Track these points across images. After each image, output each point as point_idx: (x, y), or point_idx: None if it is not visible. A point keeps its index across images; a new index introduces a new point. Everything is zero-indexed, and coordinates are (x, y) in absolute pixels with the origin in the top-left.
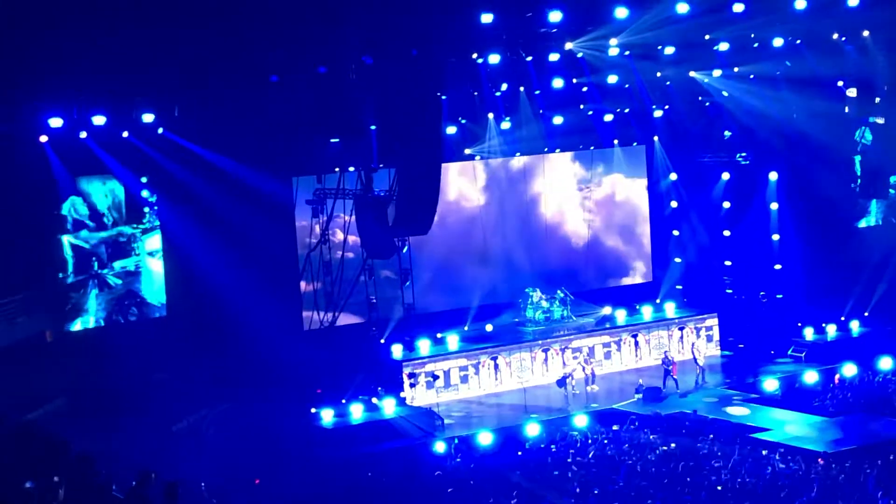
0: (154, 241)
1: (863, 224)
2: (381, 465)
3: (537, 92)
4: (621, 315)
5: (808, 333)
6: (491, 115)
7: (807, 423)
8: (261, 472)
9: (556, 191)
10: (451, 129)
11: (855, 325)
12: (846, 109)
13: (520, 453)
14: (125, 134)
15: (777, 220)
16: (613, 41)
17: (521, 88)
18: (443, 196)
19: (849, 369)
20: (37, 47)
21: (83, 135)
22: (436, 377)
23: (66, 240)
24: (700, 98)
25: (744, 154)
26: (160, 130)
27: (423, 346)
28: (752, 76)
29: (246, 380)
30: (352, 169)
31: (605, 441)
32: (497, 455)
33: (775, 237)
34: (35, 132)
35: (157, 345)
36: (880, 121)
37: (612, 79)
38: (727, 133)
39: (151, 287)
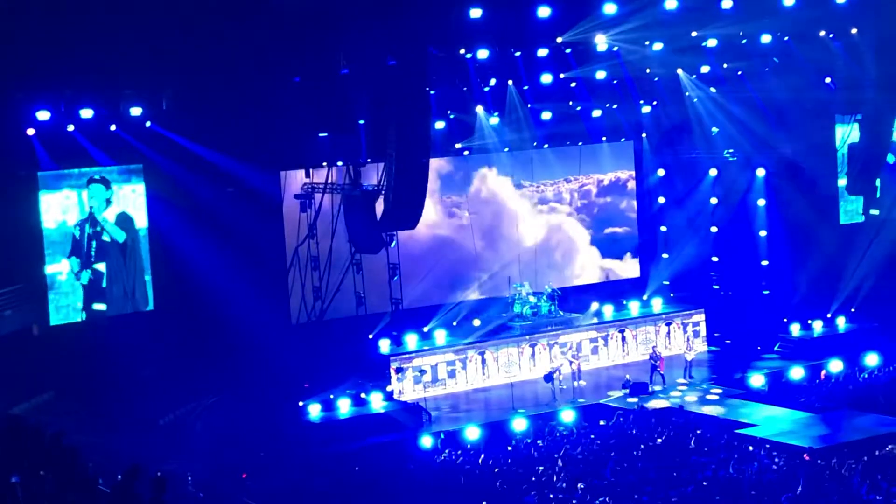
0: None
1: (849, 220)
2: (367, 459)
3: (525, 87)
4: (609, 310)
5: (795, 329)
6: (479, 109)
7: (790, 416)
8: (247, 466)
9: (543, 186)
10: (440, 124)
11: (841, 322)
12: (834, 106)
13: (509, 448)
14: (113, 127)
15: (764, 216)
16: (602, 37)
17: (510, 82)
18: (431, 191)
19: (835, 365)
20: (24, 40)
21: (70, 128)
22: (423, 372)
23: (53, 233)
24: (688, 94)
25: (731, 150)
26: (148, 124)
27: (411, 340)
28: (739, 72)
29: (233, 374)
30: (340, 164)
31: (592, 436)
32: (484, 450)
33: (762, 233)
34: (22, 125)
35: (144, 339)
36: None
37: (601, 74)
38: (715, 129)
39: (140, 279)
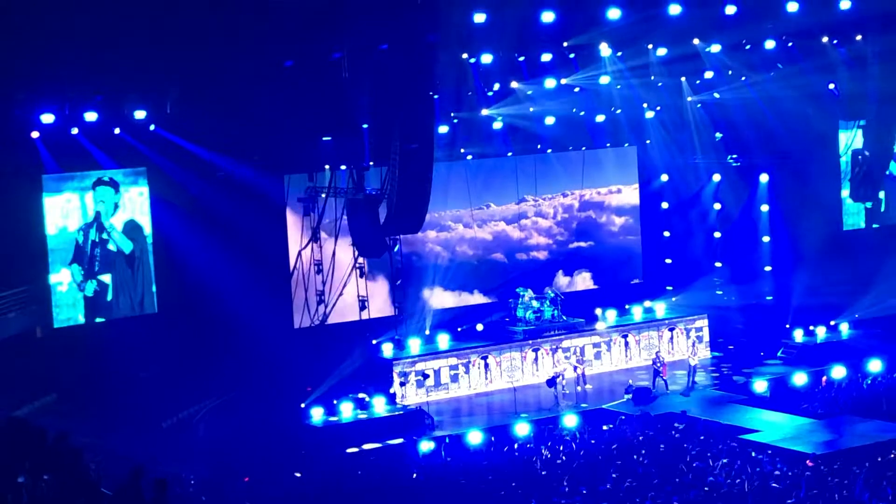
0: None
1: (852, 226)
2: (370, 463)
3: (529, 92)
4: (612, 315)
5: (798, 335)
6: (485, 111)
7: (793, 422)
8: (250, 470)
9: (546, 190)
10: (444, 129)
11: (844, 328)
12: (837, 112)
13: (513, 451)
14: (117, 130)
15: (767, 221)
16: (605, 42)
17: (514, 84)
18: (434, 195)
19: (838, 371)
20: (28, 43)
21: (75, 131)
22: (426, 376)
23: (53, 240)
24: (691, 99)
25: (734, 156)
26: (152, 127)
27: (414, 345)
28: (743, 78)
29: (236, 377)
30: (343, 167)
31: (594, 441)
32: (486, 454)
33: (765, 239)
34: (26, 128)
35: (147, 341)
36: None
37: (604, 80)
38: (718, 135)
39: (148, 290)
